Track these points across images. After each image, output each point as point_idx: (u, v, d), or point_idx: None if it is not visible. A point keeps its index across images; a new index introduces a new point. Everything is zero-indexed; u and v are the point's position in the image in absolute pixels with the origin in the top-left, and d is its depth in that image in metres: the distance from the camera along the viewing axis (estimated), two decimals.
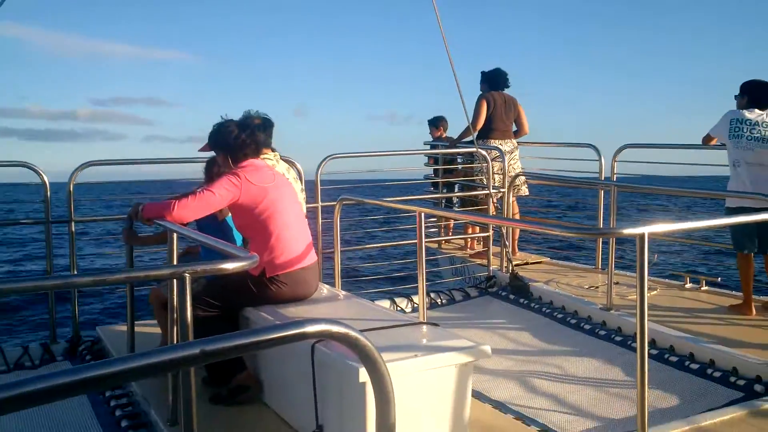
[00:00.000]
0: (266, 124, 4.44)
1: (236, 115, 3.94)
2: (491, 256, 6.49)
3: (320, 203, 5.77)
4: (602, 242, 6.73)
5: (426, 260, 4.34)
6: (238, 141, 3.74)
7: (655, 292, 5.62)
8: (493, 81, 7.34)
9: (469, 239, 7.76)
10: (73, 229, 5.00)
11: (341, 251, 5.12)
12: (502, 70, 7.39)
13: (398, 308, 5.69)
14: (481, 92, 7.40)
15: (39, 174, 4.95)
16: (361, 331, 1.56)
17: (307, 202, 4.77)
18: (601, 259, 6.68)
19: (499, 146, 6.99)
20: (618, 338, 4.66)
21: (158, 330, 4.38)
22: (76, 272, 5.03)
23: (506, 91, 7.38)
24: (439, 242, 7.89)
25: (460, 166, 7.92)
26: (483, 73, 7.43)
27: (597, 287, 5.84)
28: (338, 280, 5.00)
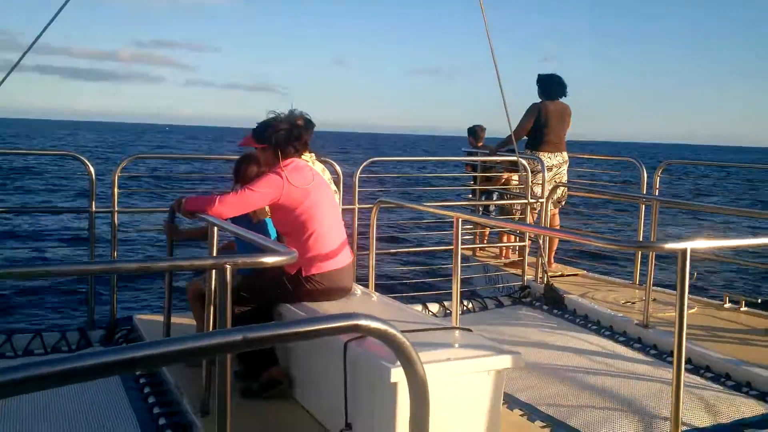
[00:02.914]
0: (308, 125, 4.48)
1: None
2: (526, 266, 6.44)
3: (357, 205, 5.80)
4: (641, 257, 6.63)
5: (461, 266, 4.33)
6: (288, 137, 3.79)
7: (693, 310, 5.52)
8: (548, 89, 7.07)
9: (503, 248, 7.70)
10: (116, 219, 5.11)
11: (376, 253, 5.14)
12: (558, 77, 7.09)
13: (430, 312, 5.68)
14: (538, 99, 7.11)
15: (86, 164, 5.08)
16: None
17: (343, 203, 4.80)
18: (639, 273, 6.59)
19: (548, 159, 6.86)
20: (653, 353, 4.59)
21: (193, 321, 4.45)
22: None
23: (563, 99, 7.11)
24: (473, 249, 7.85)
25: (497, 174, 7.86)
26: (539, 76, 7.15)
27: (633, 303, 5.76)
28: (372, 282, 5.01)
